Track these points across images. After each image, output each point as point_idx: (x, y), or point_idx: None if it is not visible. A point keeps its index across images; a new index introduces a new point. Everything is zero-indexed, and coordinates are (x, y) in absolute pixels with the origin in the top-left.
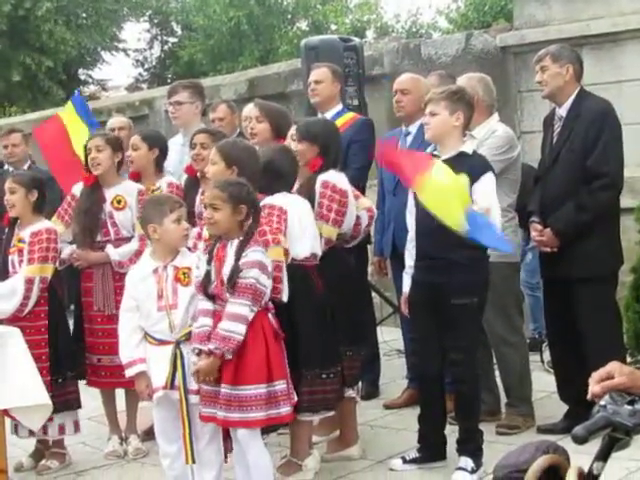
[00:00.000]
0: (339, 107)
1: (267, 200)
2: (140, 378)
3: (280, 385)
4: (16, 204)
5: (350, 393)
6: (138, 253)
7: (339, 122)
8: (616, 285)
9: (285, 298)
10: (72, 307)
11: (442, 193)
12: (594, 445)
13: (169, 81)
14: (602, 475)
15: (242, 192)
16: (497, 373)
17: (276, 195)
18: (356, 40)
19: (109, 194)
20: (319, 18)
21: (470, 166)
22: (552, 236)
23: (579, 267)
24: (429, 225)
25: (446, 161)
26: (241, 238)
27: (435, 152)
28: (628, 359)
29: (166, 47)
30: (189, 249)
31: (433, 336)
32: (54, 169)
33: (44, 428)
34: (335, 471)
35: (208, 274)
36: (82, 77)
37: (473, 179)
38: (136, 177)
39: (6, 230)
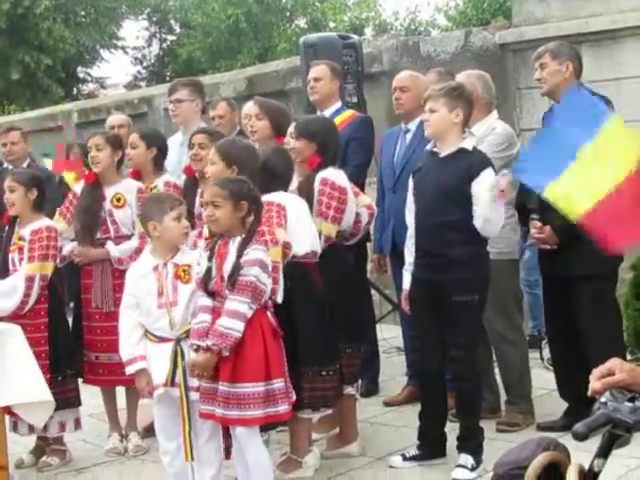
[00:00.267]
0: (338, 105)
1: (264, 198)
2: (140, 375)
3: (278, 383)
4: (16, 202)
5: (350, 390)
6: (138, 250)
7: (338, 120)
8: (616, 282)
9: (280, 299)
10: (71, 305)
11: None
12: (594, 442)
13: (168, 79)
14: (602, 472)
15: (243, 189)
16: (497, 370)
17: (273, 193)
18: (355, 37)
19: (109, 192)
20: (317, 16)
21: (470, 162)
22: (552, 233)
23: (579, 264)
24: (429, 222)
25: (446, 157)
26: (243, 235)
27: (435, 149)
28: (628, 357)
29: (165, 45)
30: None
31: (433, 333)
32: None
33: (45, 425)
34: (335, 468)
35: (209, 271)
36: (81, 75)
37: (473, 175)
38: (137, 175)
39: (6, 228)
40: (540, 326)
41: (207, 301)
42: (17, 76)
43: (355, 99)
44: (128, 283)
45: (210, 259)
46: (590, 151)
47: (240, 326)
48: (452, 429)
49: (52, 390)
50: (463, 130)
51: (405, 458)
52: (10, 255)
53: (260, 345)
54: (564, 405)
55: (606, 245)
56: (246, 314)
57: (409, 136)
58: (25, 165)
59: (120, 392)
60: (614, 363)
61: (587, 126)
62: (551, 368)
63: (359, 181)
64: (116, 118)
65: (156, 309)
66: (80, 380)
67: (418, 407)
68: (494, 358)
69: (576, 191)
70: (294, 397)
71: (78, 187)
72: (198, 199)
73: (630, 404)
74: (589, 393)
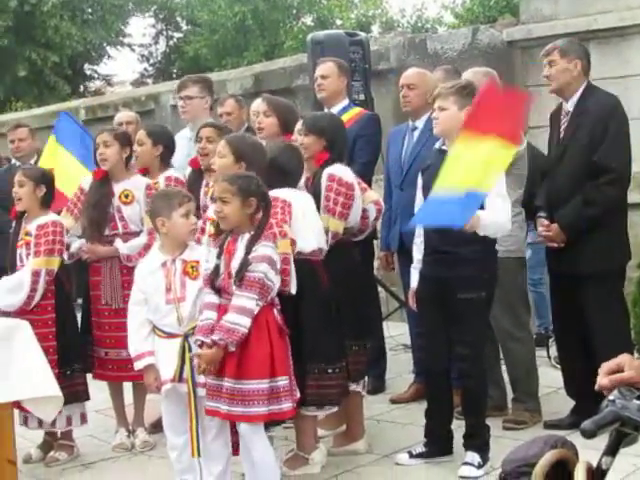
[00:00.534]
0: (345, 102)
1: (271, 193)
2: (148, 371)
3: (282, 381)
4: (23, 197)
5: (356, 388)
6: (147, 247)
7: (345, 117)
8: (624, 280)
9: (294, 290)
10: (79, 300)
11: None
12: (601, 440)
13: (174, 76)
14: (610, 470)
15: (251, 185)
16: (504, 368)
17: (279, 189)
18: (362, 35)
19: (117, 188)
20: (324, 13)
21: None
22: (559, 231)
23: (586, 262)
24: None
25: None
26: (252, 232)
27: (444, 147)
28: (635, 355)
29: (171, 42)
30: None
31: (440, 330)
32: None
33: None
34: (341, 465)
35: (217, 268)
36: (87, 72)
37: None
38: (145, 173)
39: (13, 224)
40: (547, 324)
41: (213, 298)
42: (24, 73)
43: (362, 96)
44: (137, 279)
45: (219, 256)
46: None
47: (247, 322)
48: (458, 427)
49: (60, 384)
50: None
51: (412, 455)
52: (18, 251)
53: (266, 342)
54: (571, 403)
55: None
56: (253, 310)
57: (416, 133)
58: (33, 162)
59: (127, 388)
60: (624, 359)
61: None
62: (558, 366)
63: (366, 178)
64: (124, 115)
65: (164, 305)
66: (90, 376)
67: (424, 405)
68: (501, 356)
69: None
70: (298, 395)
71: (86, 183)
72: (203, 190)
73: (638, 402)
74: (596, 387)
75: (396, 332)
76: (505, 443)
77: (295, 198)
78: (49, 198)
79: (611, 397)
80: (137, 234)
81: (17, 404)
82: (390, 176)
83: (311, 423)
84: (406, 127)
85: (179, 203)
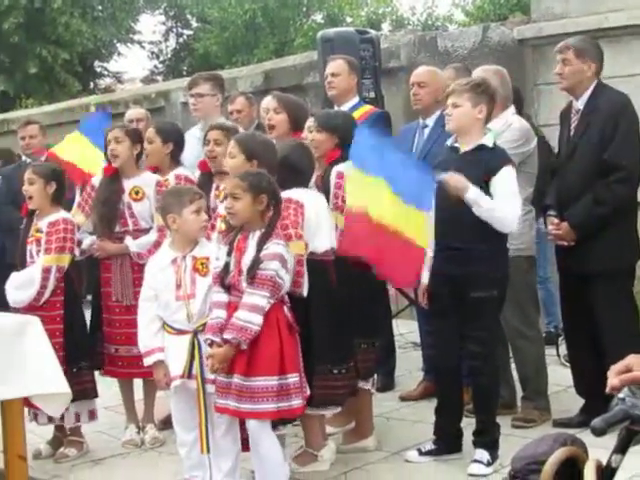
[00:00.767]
0: (355, 100)
1: (283, 194)
2: (158, 367)
3: (293, 378)
4: (34, 195)
5: (365, 385)
6: (157, 244)
7: (355, 115)
8: (633, 279)
9: (305, 292)
10: (89, 297)
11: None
12: (611, 439)
13: (184, 74)
14: (620, 468)
15: (262, 182)
16: (513, 367)
17: (292, 190)
18: (372, 32)
19: (128, 185)
20: (334, 10)
21: (490, 159)
22: (569, 230)
23: (596, 261)
24: (449, 217)
25: (466, 153)
26: (263, 230)
27: (455, 144)
28: None
29: (181, 39)
30: None
31: (451, 328)
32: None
33: (61, 416)
34: (350, 462)
35: (227, 265)
36: (98, 69)
37: (493, 172)
38: (155, 170)
39: (24, 220)
40: (556, 322)
41: (222, 297)
42: (34, 70)
43: (373, 94)
44: (147, 276)
45: (229, 254)
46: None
47: (259, 320)
48: (468, 424)
49: (68, 382)
50: (484, 126)
51: (421, 453)
52: (28, 247)
53: (276, 339)
54: (580, 402)
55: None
56: (265, 308)
57: (427, 131)
58: (43, 158)
59: (137, 384)
60: (633, 360)
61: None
62: (567, 365)
63: None
64: (135, 112)
65: (174, 301)
66: (98, 372)
67: (434, 402)
68: (510, 354)
69: (359, 189)
70: (308, 392)
71: (96, 180)
72: (213, 194)
73: None
74: (607, 390)
75: (406, 330)
76: (514, 441)
77: (307, 199)
78: (60, 195)
79: (621, 395)
80: (147, 231)
81: (26, 401)
82: None
83: (317, 421)
84: (416, 125)
85: (190, 200)
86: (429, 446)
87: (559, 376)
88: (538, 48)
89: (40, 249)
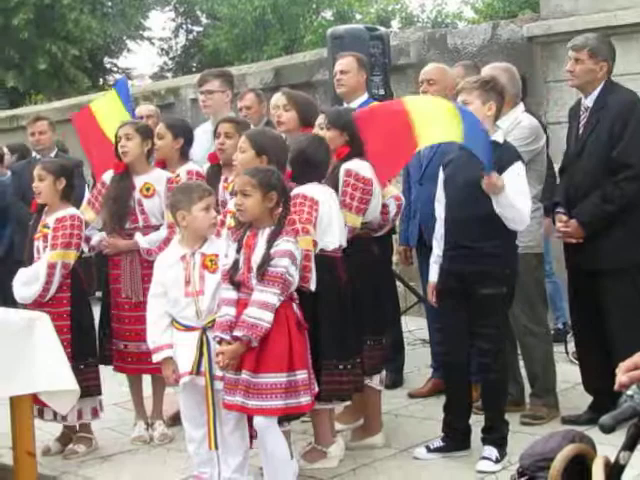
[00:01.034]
0: (365, 97)
1: (299, 190)
2: (167, 363)
3: (301, 375)
4: (43, 191)
5: (374, 382)
6: (167, 241)
7: None
8: None
9: (313, 287)
10: (98, 294)
11: (429, 112)
12: (619, 436)
13: (194, 70)
14: (628, 465)
15: (272, 178)
16: (521, 364)
17: (308, 185)
18: (382, 29)
19: (138, 182)
20: (344, 7)
21: (500, 155)
22: (577, 227)
23: (604, 258)
24: (458, 214)
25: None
26: (272, 227)
27: None
28: None
29: (191, 36)
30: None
31: (460, 325)
32: (89, 156)
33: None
34: (359, 459)
35: (236, 262)
36: (107, 65)
37: (503, 168)
38: (162, 165)
39: (33, 217)
40: (565, 318)
41: (231, 294)
42: (44, 66)
43: (382, 91)
44: (156, 272)
45: (238, 251)
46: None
47: (270, 317)
48: (476, 421)
49: None
50: (494, 123)
51: (429, 450)
52: (35, 243)
53: (285, 336)
54: (589, 399)
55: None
56: (275, 305)
57: None
58: (53, 155)
59: (146, 381)
60: None
61: None
62: (576, 362)
63: None
64: (144, 108)
65: (183, 298)
66: (109, 368)
67: (442, 399)
68: (518, 351)
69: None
70: (316, 389)
71: (107, 176)
72: (222, 185)
73: None
74: (616, 387)
75: (414, 327)
76: (523, 438)
77: (323, 196)
78: (69, 191)
79: (629, 392)
80: (157, 227)
81: (33, 397)
82: (409, 171)
83: (325, 417)
84: None
85: (199, 197)
86: (437, 443)
87: (568, 373)
88: (547, 45)
89: (47, 245)
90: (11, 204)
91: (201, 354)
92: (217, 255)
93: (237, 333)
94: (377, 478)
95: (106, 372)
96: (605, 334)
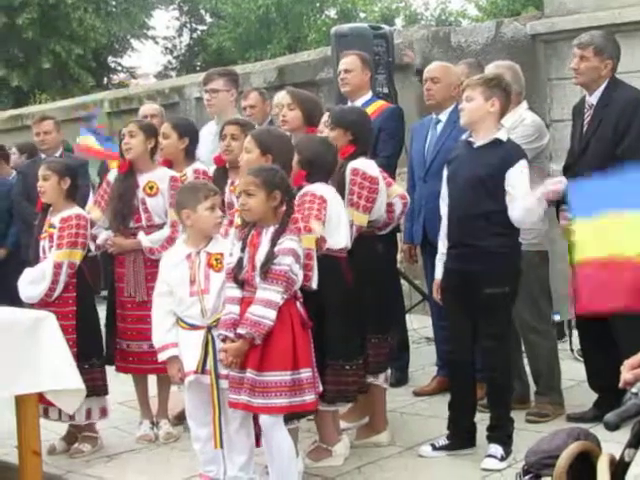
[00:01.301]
0: (369, 95)
1: (309, 188)
2: (172, 362)
3: (306, 373)
4: (48, 190)
5: (375, 380)
6: (169, 240)
7: (368, 110)
8: None
9: (315, 285)
10: (104, 293)
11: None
12: (624, 434)
13: (198, 69)
14: (633, 462)
15: (276, 178)
16: (526, 361)
17: (315, 184)
18: (386, 28)
19: (142, 180)
20: (348, 6)
21: (504, 153)
22: None
23: None
24: (462, 212)
25: (480, 148)
26: (276, 226)
27: (470, 138)
28: None
29: (195, 35)
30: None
31: (465, 323)
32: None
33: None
34: (364, 457)
35: (240, 261)
36: (111, 65)
37: (507, 166)
38: (167, 165)
39: (39, 216)
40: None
41: (235, 292)
42: (48, 65)
43: (386, 90)
44: (161, 270)
45: (243, 250)
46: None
47: (273, 315)
48: (481, 419)
49: None
50: (498, 121)
51: (435, 448)
52: (41, 243)
53: (289, 334)
54: (594, 396)
55: (578, 302)
56: (279, 303)
57: (440, 127)
58: (58, 154)
59: (151, 380)
60: None
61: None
62: (581, 359)
63: (389, 171)
64: (149, 107)
65: (188, 297)
66: (112, 367)
67: (448, 397)
68: (523, 349)
69: (593, 238)
70: (321, 388)
71: (112, 175)
72: (228, 188)
73: None
74: (620, 385)
75: (419, 325)
76: (528, 436)
77: (331, 195)
78: (74, 190)
79: (634, 390)
80: (161, 226)
81: (41, 396)
82: (414, 169)
83: (329, 416)
84: (429, 120)
85: (205, 196)
86: (443, 441)
87: (573, 371)
88: (551, 43)
89: (53, 245)
90: (16, 204)
91: (206, 353)
92: (222, 254)
93: (240, 331)
94: (382, 476)
95: (110, 371)
96: (610, 331)
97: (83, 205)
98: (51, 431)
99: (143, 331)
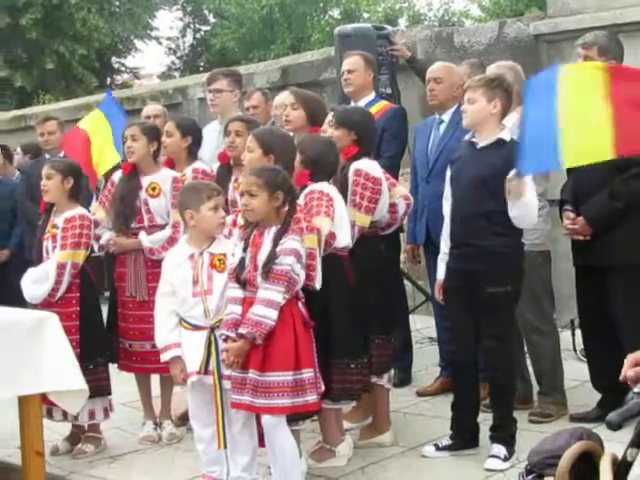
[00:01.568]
0: (372, 95)
1: (315, 186)
2: (175, 362)
3: (307, 373)
4: (51, 189)
5: (382, 381)
6: (170, 240)
7: (372, 110)
8: None
9: (318, 286)
10: (107, 293)
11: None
12: (626, 433)
13: (201, 69)
14: (636, 462)
15: (278, 178)
16: (529, 362)
17: (319, 183)
18: (389, 28)
19: (145, 181)
20: (351, 6)
21: (507, 153)
22: (585, 224)
23: (611, 255)
24: (465, 212)
25: (483, 148)
26: (279, 226)
27: (473, 139)
28: None
29: (198, 35)
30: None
31: (467, 322)
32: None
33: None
34: (368, 457)
35: (242, 261)
36: (115, 65)
37: (510, 166)
38: (170, 164)
39: (42, 216)
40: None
41: (237, 292)
42: (52, 66)
43: (389, 90)
44: (164, 271)
45: (245, 250)
46: (564, 107)
47: (274, 315)
48: (484, 419)
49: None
50: (500, 121)
51: (438, 448)
52: (44, 243)
53: (290, 334)
54: (597, 396)
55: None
56: (280, 303)
57: (443, 127)
58: (62, 154)
59: (154, 380)
60: None
61: (546, 94)
62: (584, 359)
63: (392, 172)
64: (152, 108)
65: (191, 297)
66: (115, 367)
67: (451, 397)
68: (525, 349)
69: (586, 140)
70: (323, 388)
71: (116, 176)
72: (232, 185)
73: None
74: (621, 378)
75: (422, 325)
76: (531, 436)
77: (333, 192)
78: (77, 190)
79: (636, 389)
80: (163, 227)
81: (42, 396)
82: (417, 169)
83: (333, 416)
84: (432, 120)
85: (208, 196)
86: (446, 441)
87: (576, 371)
88: (554, 44)
89: (56, 245)
90: (20, 204)
91: (209, 353)
92: (225, 255)
93: (242, 330)
94: (385, 476)
95: (113, 371)
96: (613, 331)
97: (86, 206)
98: (54, 432)
99: (145, 331)
